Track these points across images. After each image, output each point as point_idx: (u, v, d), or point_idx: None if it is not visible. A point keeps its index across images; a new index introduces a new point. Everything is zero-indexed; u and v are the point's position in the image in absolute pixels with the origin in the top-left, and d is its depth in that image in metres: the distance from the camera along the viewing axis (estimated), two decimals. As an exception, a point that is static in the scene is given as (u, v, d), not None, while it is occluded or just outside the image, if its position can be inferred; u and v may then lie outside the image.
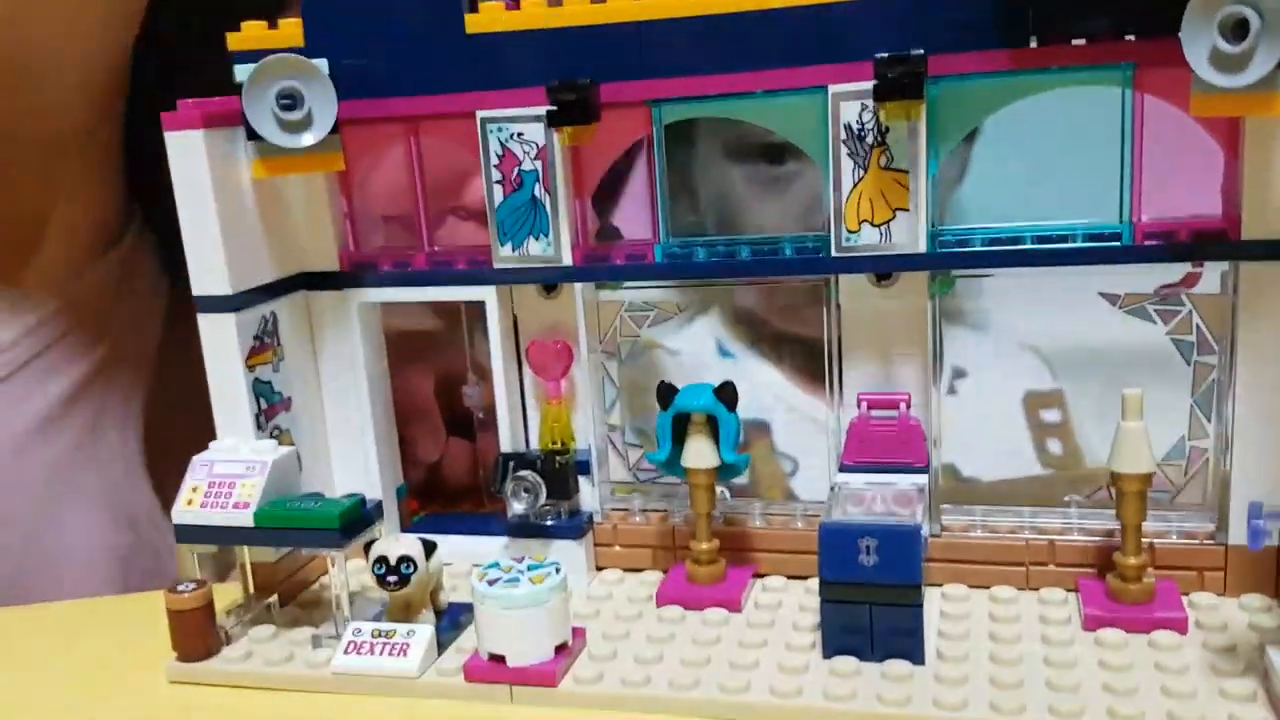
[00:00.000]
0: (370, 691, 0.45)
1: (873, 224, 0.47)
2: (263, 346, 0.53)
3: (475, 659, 0.45)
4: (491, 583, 0.44)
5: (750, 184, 0.73)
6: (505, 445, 0.55)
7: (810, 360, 0.76)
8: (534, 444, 0.56)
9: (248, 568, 0.52)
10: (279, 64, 0.49)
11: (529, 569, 0.45)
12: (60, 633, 0.54)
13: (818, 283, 0.51)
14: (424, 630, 0.46)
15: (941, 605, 0.47)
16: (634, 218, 0.55)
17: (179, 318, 0.69)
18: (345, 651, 0.46)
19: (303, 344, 0.56)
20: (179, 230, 0.50)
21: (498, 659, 0.44)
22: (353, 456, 0.57)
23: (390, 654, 0.46)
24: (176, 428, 0.61)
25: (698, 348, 0.59)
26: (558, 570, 0.45)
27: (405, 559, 0.47)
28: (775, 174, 0.77)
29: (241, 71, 0.50)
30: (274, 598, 0.53)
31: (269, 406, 0.53)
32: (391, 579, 0.46)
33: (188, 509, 0.49)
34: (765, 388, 0.61)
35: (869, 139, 0.46)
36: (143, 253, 0.76)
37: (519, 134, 0.51)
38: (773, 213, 0.64)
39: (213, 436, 0.52)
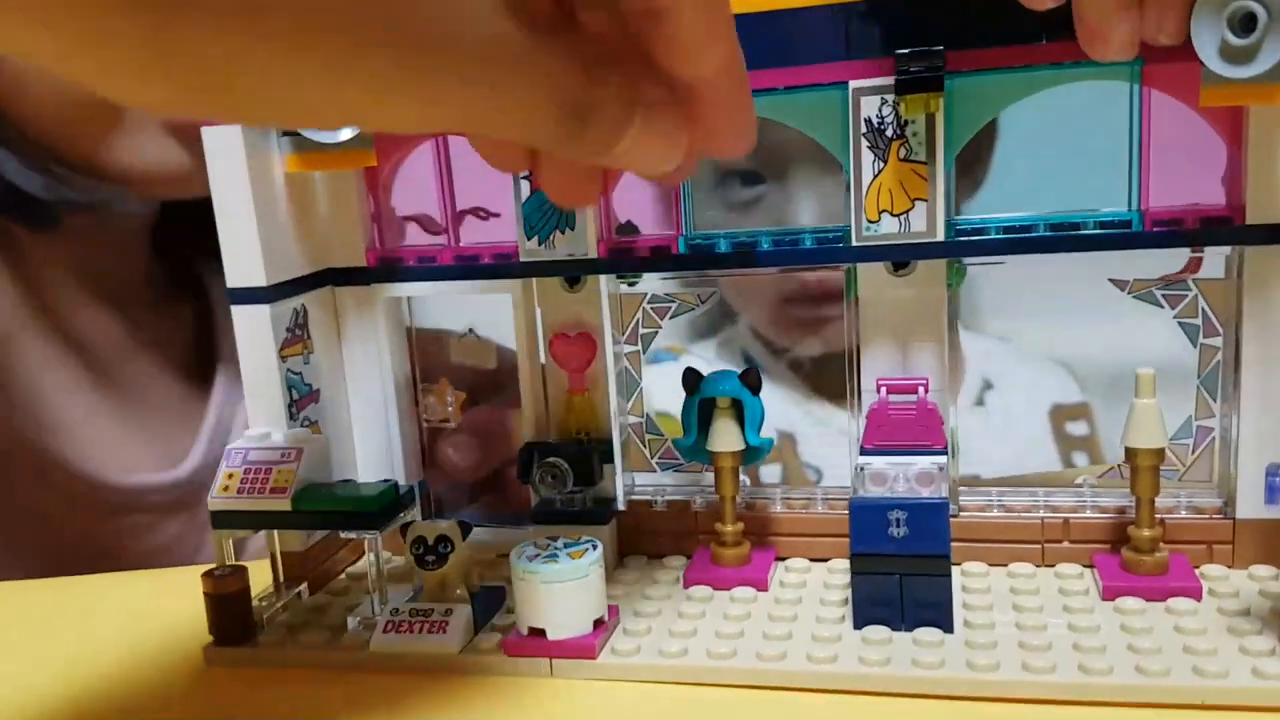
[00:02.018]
0: (410, 669, 0.46)
1: (892, 214, 0.49)
2: (294, 339, 0.54)
3: (514, 633, 0.46)
4: (531, 558, 0.45)
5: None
6: (528, 436, 0.57)
7: (832, 373, 0.79)
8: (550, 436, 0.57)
9: (278, 555, 0.53)
10: (316, 61, 0.50)
11: (565, 546, 0.46)
12: (100, 609, 0.55)
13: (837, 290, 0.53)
14: (461, 608, 0.47)
15: (963, 581, 0.49)
16: (655, 212, 0.57)
17: None
18: (384, 630, 0.47)
19: (330, 338, 0.57)
20: None
21: (537, 633, 0.45)
22: (377, 450, 0.58)
23: (429, 632, 0.47)
24: None
25: (726, 363, 0.61)
26: (595, 547, 0.46)
27: (443, 539, 0.48)
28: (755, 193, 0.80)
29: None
30: (303, 586, 0.53)
31: (300, 398, 0.54)
32: (430, 559, 0.47)
33: (223, 495, 0.50)
34: (790, 400, 0.63)
35: (889, 132, 0.48)
36: None
37: (546, 130, 0.53)
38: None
39: None
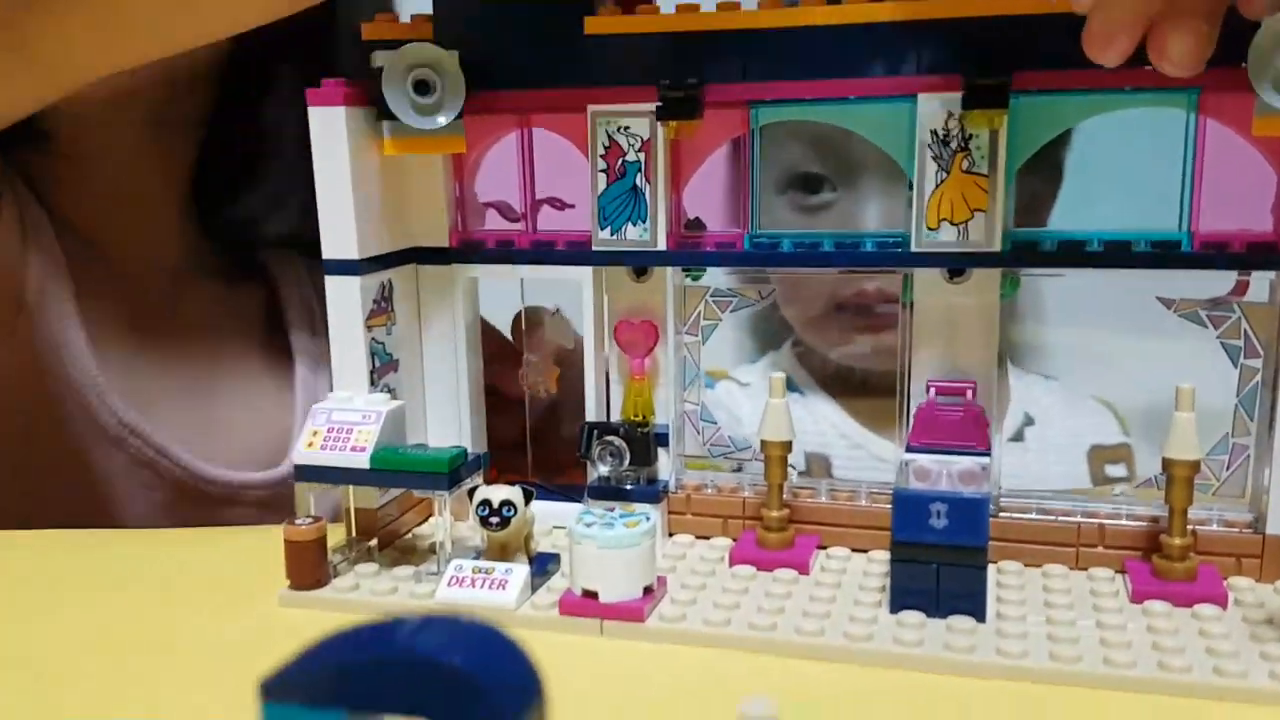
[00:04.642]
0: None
1: (952, 222, 0.52)
2: (379, 310, 0.57)
3: (569, 594, 0.49)
4: (589, 525, 0.48)
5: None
6: (590, 416, 0.60)
7: (871, 396, 0.81)
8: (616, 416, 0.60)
9: (352, 512, 0.56)
10: (417, 52, 0.54)
11: (621, 517, 0.49)
12: (179, 558, 0.59)
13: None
14: (520, 569, 0.51)
15: (998, 578, 0.51)
16: (723, 210, 0.60)
17: None
18: (448, 585, 0.51)
19: (410, 312, 0.60)
20: None
21: (590, 595, 0.48)
22: (448, 420, 0.62)
23: (489, 588, 0.50)
24: None
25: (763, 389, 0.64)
26: (648, 519, 0.49)
27: (506, 502, 0.51)
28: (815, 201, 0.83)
29: (381, 57, 0.55)
30: (374, 541, 0.57)
31: (381, 365, 0.58)
32: (493, 520, 0.51)
33: (308, 450, 0.53)
34: (828, 423, 0.65)
35: (953, 144, 0.51)
36: None
37: (625, 127, 0.56)
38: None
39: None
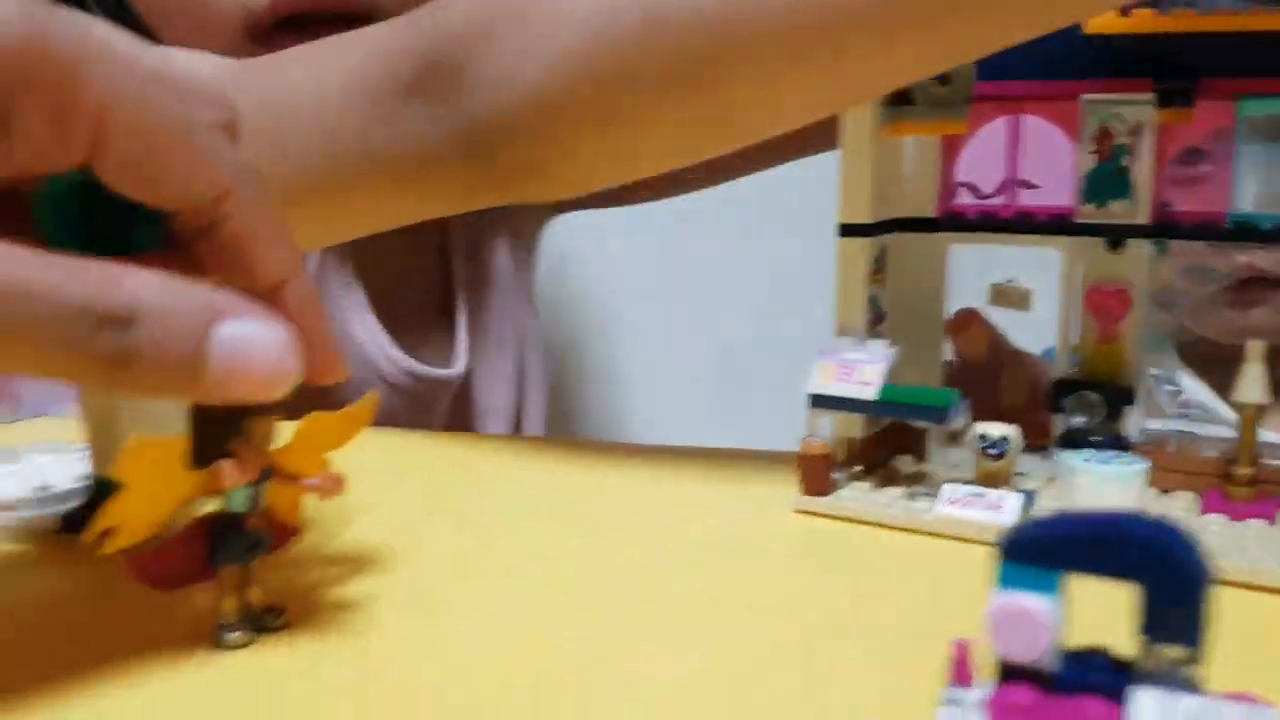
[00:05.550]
0: (966, 537, 0.58)
1: None
2: (878, 269, 0.67)
3: (1060, 521, 0.57)
4: (1086, 460, 0.56)
5: None
6: (1059, 373, 0.67)
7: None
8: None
9: (855, 438, 0.66)
10: (935, 46, 0.63)
11: (1114, 458, 0.56)
12: (692, 477, 0.71)
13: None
14: (1013, 495, 0.59)
15: None
16: (1201, 190, 0.64)
17: None
18: (946, 504, 0.59)
19: (896, 275, 0.70)
20: None
21: (1081, 523, 0.56)
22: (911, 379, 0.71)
23: (985, 509, 0.58)
24: None
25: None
26: (1138, 461, 0.56)
27: (1004, 437, 0.59)
28: None
29: (901, 51, 0.64)
30: (859, 466, 0.67)
31: (873, 317, 0.67)
32: (992, 450, 0.59)
33: (823, 383, 0.64)
34: None
35: None
36: None
37: (1118, 114, 0.62)
38: None
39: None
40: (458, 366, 1.00)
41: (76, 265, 0.30)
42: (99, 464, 0.56)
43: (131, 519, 0.41)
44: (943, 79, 0.63)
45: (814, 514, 0.63)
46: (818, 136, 0.65)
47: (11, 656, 0.45)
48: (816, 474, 0.63)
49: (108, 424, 0.55)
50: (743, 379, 1.65)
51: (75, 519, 0.57)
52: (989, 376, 0.77)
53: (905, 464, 0.69)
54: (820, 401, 0.64)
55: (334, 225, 0.64)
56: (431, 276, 1.05)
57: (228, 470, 0.41)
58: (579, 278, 1.64)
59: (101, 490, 0.57)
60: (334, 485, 0.45)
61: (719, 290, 1.66)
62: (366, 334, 0.93)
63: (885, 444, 0.69)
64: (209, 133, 0.34)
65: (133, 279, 0.30)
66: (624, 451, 0.77)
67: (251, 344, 0.32)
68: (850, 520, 0.62)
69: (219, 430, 0.42)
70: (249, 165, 0.35)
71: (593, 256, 1.63)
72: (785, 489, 0.64)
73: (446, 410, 1.01)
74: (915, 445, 0.70)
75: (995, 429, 0.59)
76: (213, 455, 0.42)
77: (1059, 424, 0.66)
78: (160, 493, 0.41)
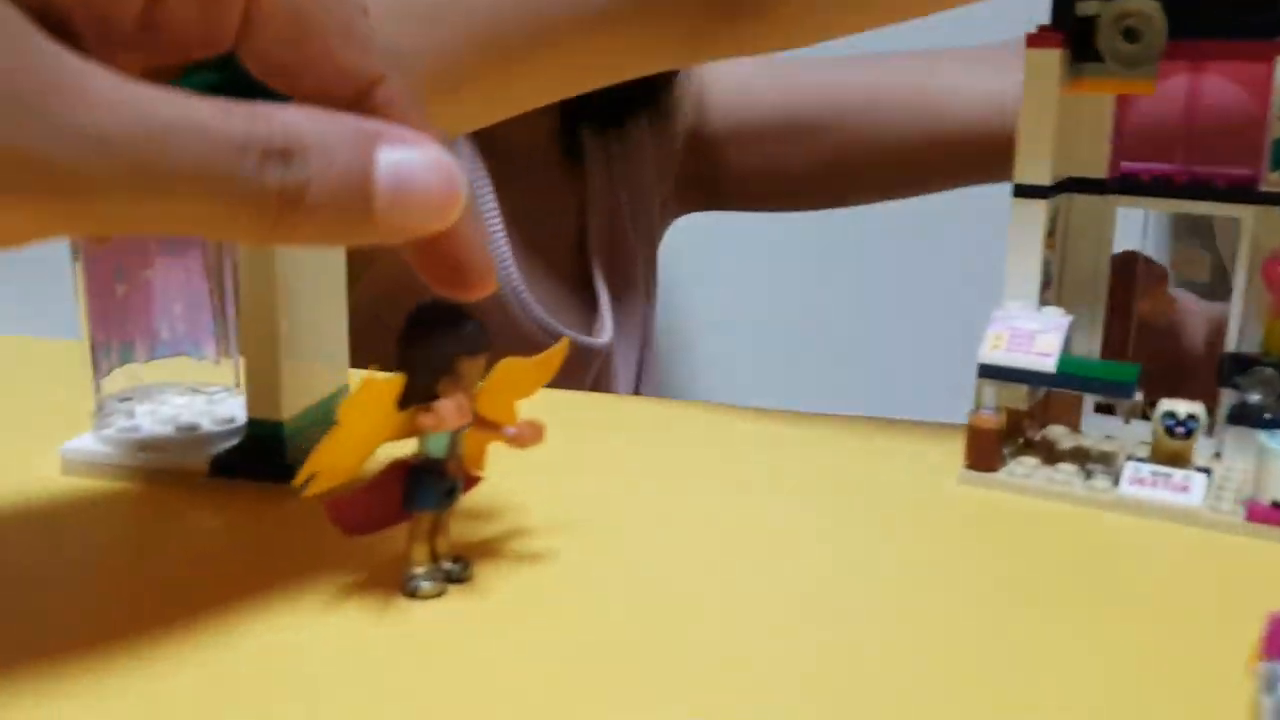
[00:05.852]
0: (1150, 516, 0.55)
1: None
2: (1051, 232, 0.64)
3: (1256, 503, 0.54)
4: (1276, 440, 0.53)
5: None
6: (1231, 347, 0.64)
7: None
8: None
9: (1020, 409, 0.63)
10: (1129, 3, 0.59)
11: (1311, 439, 0.53)
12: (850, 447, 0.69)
13: None
14: (1199, 476, 0.56)
15: None
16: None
17: None
18: (1129, 483, 0.57)
19: (1064, 239, 0.67)
20: None
21: (1279, 506, 0.53)
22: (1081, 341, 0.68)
23: (1171, 490, 0.56)
24: None
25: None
26: (1342, 444, 0.53)
27: (1191, 415, 0.56)
28: None
29: (1092, 6, 0.60)
30: (1020, 440, 0.64)
31: (1045, 282, 0.64)
32: (1179, 429, 0.56)
33: (993, 352, 0.61)
34: None
35: None
36: None
37: (1319, 77, 0.59)
38: None
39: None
40: (604, 336, 0.98)
41: (226, 104, 0.28)
42: (255, 406, 0.54)
43: (341, 460, 0.39)
44: (1132, 35, 0.59)
45: (977, 486, 0.60)
46: (977, 170, 0.64)
47: (186, 600, 0.44)
48: (987, 448, 0.60)
49: (266, 364, 0.54)
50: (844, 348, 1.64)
51: (226, 462, 0.55)
52: (1169, 342, 0.74)
53: (1058, 437, 0.66)
54: (991, 372, 0.61)
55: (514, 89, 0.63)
56: (571, 256, 1.03)
57: (447, 411, 0.39)
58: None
59: (255, 433, 0.55)
60: (534, 434, 0.43)
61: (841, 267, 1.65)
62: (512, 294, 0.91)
63: (1036, 416, 0.67)
64: (358, 14, 0.32)
65: (283, 112, 0.28)
66: (782, 418, 0.75)
67: (414, 167, 0.30)
68: (1024, 494, 0.59)
69: (425, 371, 0.40)
70: (395, 49, 0.33)
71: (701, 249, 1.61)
72: (941, 460, 0.61)
73: (590, 381, 1.00)
74: (1068, 418, 0.67)
75: (1182, 406, 0.56)
76: (417, 397, 0.40)
77: (1227, 399, 0.63)
78: (369, 434, 0.39)
